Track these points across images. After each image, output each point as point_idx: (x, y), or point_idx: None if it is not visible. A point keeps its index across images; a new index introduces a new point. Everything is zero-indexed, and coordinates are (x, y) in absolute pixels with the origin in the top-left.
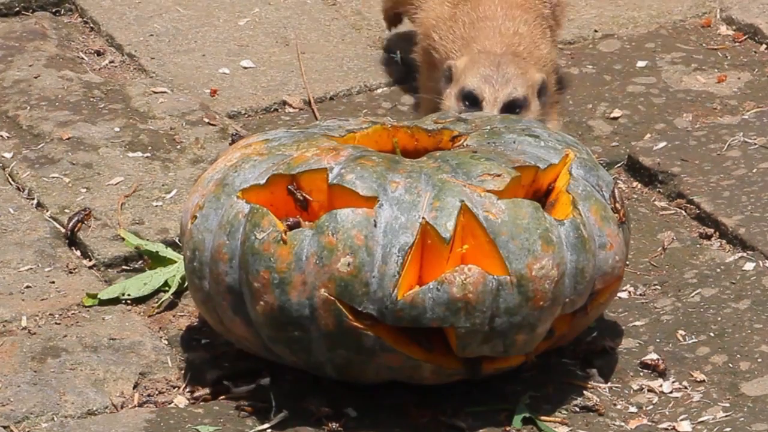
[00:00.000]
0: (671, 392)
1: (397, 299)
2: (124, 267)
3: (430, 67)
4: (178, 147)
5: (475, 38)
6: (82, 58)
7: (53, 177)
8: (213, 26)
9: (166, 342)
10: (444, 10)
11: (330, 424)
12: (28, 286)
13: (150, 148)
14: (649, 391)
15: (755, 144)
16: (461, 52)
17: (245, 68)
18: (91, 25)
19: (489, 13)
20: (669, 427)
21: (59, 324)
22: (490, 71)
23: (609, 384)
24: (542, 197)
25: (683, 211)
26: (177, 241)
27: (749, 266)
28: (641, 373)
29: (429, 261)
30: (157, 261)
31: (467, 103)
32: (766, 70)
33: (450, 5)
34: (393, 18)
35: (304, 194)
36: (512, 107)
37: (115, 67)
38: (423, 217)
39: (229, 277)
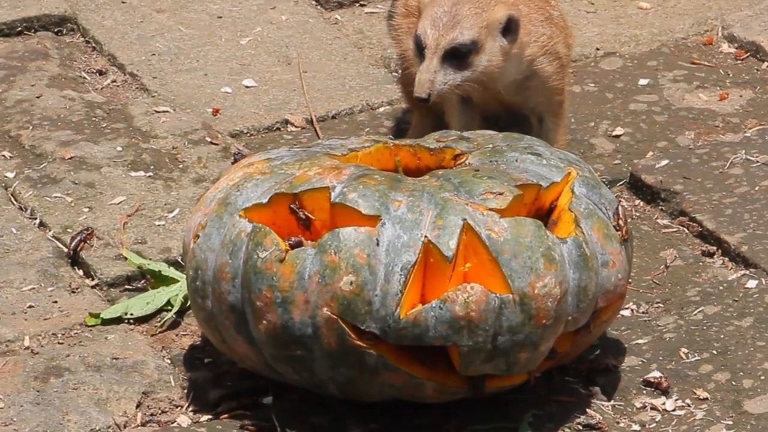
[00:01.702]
0: (674, 410)
1: (400, 318)
2: (126, 286)
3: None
4: (181, 166)
5: None
6: (84, 78)
7: (56, 197)
8: (215, 45)
9: (168, 361)
10: None
11: None
12: (30, 306)
13: (152, 167)
14: (652, 409)
15: (757, 162)
16: None
17: (247, 87)
18: (93, 44)
19: None
20: None
21: (62, 344)
22: (441, 12)
23: (612, 402)
24: (544, 215)
25: (686, 229)
26: (179, 260)
27: (752, 284)
28: (644, 391)
29: (431, 280)
30: (159, 280)
31: (418, 49)
32: None
33: None
34: None
35: (306, 213)
36: (457, 54)
37: (117, 86)
38: (425, 236)
39: (231, 296)
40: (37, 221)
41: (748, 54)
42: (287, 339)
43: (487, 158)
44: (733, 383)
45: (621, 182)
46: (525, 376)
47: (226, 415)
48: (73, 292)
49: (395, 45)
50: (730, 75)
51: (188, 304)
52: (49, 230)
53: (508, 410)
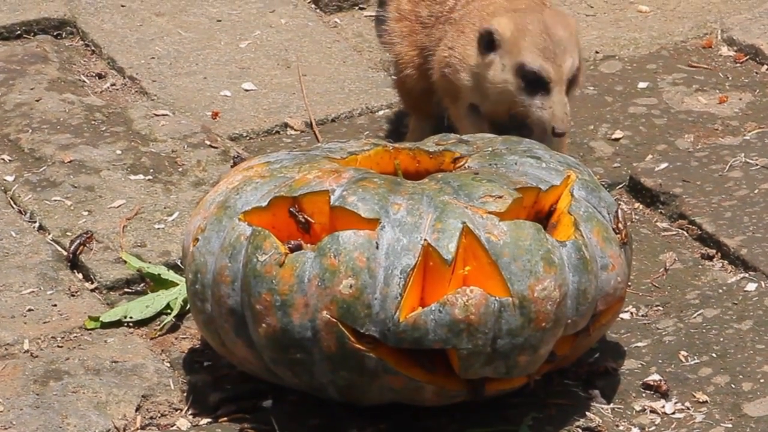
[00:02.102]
0: (674, 413)
1: (400, 321)
2: (126, 290)
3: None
4: (180, 170)
5: None
6: (84, 81)
7: (55, 200)
8: (214, 49)
9: (168, 364)
10: None
11: None
12: (30, 309)
13: (152, 170)
14: (651, 412)
15: (756, 165)
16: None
17: (247, 91)
18: (93, 48)
19: None
20: None
21: (61, 347)
22: (545, 41)
23: (611, 405)
24: (544, 219)
25: (685, 232)
26: (179, 263)
27: (751, 287)
28: (644, 394)
29: (431, 283)
30: (159, 284)
31: (529, 83)
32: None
33: None
34: None
35: (306, 216)
36: (573, 78)
37: (117, 90)
38: (425, 239)
39: (231, 300)
40: (37, 225)
41: (748, 57)
42: (287, 342)
43: (486, 161)
44: (733, 386)
45: (620, 185)
46: (524, 380)
47: (225, 419)
48: (73, 295)
49: (388, 49)
50: (730, 78)
51: (188, 308)
52: (49, 233)
53: (507, 413)
